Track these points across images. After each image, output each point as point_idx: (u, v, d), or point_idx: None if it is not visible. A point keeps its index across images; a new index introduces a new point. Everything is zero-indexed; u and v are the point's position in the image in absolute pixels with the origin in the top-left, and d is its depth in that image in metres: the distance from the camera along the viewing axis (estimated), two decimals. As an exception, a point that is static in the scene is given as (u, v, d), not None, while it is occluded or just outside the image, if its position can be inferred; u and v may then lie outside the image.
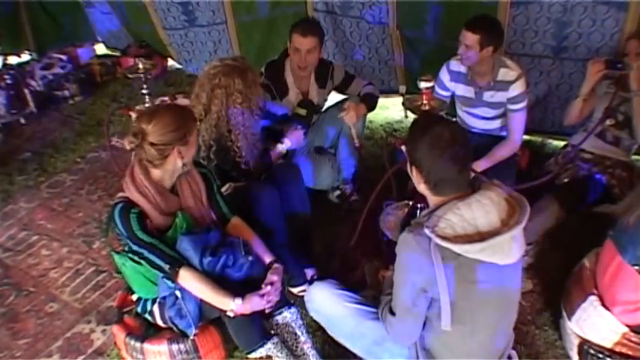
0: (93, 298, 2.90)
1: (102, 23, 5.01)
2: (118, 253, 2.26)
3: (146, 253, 2.11)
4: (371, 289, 2.51)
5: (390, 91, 4.21)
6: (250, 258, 2.21)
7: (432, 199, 1.89)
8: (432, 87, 2.58)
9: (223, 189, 2.68)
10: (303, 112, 3.11)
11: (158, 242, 2.13)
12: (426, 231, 1.74)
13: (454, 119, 3.34)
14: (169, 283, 2.16)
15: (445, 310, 1.80)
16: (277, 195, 2.66)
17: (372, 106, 3.23)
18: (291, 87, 3.17)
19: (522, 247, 1.82)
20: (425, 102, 2.53)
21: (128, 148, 2.13)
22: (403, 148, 2.67)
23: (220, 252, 2.17)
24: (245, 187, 2.69)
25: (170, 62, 5.02)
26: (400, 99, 4.20)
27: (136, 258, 2.16)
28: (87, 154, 4.05)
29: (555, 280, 2.68)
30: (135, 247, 2.12)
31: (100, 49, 5.30)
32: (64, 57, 4.82)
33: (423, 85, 2.51)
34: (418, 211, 2.73)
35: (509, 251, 1.76)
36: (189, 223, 2.24)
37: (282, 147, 2.96)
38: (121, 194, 2.20)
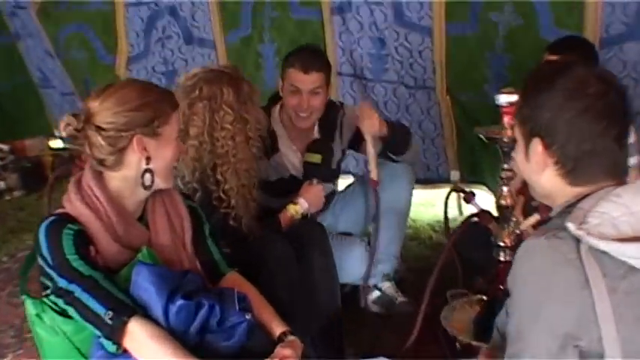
0: None
1: (61, 108, 4.95)
2: (32, 297, 1.86)
3: (78, 292, 1.72)
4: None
5: (439, 180, 4.02)
6: (248, 317, 1.81)
7: (562, 193, 1.47)
8: (517, 103, 2.28)
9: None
10: (317, 158, 2.75)
11: (101, 277, 1.74)
12: (571, 227, 1.31)
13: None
14: (109, 346, 1.73)
15: None
16: (294, 258, 2.34)
17: (397, 135, 2.83)
18: (283, 142, 2.89)
19: None
20: (506, 125, 2.27)
21: (63, 134, 1.82)
22: (476, 202, 2.41)
23: (199, 298, 1.76)
24: (245, 245, 2.37)
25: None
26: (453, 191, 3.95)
27: (60, 303, 1.75)
28: (18, 253, 3.82)
29: None
30: (62, 284, 1.73)
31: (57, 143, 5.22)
32: (4, 147, 4.73)
33: (503, 99, 2.25)
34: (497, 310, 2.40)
35: None
36: (156, 261, 1.88)
37: (296, 209, 2.64)
38: (56, 211, 1.87)
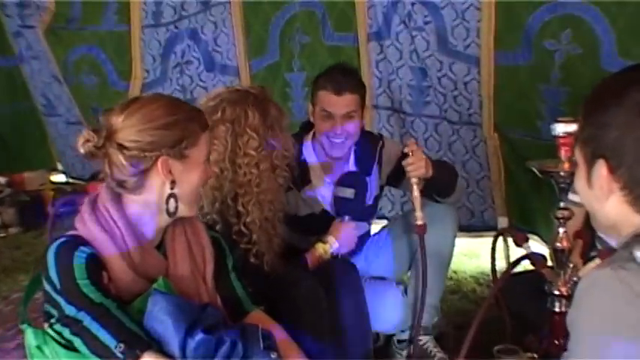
0: None
1: (66, 139, 5.04)
2: (34, 327, 1.88)
3: (87, 321, 1.74)
4: None
5: (484, 228, 4.00)
6: (274, 356, 1.84)
7: (629, 223, 1.46)
8: (575, 134, 2.30)
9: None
10: (349, 192, 2.79)
11: (113, 305, 1.77)
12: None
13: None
14: (118, 384, 1.74)
15: None
16: (323, 297, 2.36)
17: (444, 177, 2.87)
18: (316, 173, 2.95)
19: None
20: (563, 158, 2.28)
21: (82, 151, 1.83)
22: (528, 246, 2.40)
23: (220, 334, 1.79)
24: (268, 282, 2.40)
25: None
26: (499, 241, 3.92)
27: (66, 333, 1.77)
28: (11, 294, 3.82)
29: None
30: (70, 311, 1.75)
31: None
32: (1, 179, 4.85)
33: (560, 129, 2.27)
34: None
35: None
36: (172, 293, 1.90)
37: (325, 248, 2.68)
38: (67, 233, 1.90)
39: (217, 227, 2.40)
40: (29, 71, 5.02)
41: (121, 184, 1.86)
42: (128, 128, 1.82)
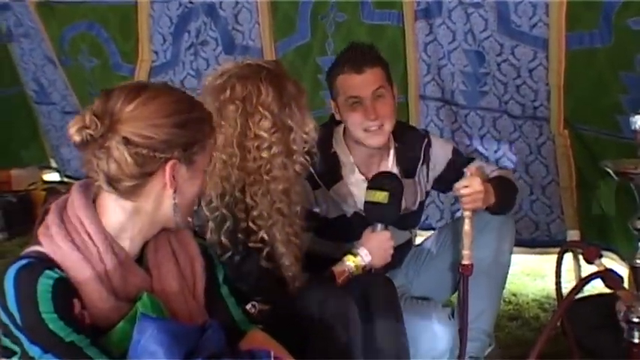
0: None
1: (61, 131, 5.10)
2: None
3: None
4: None
5: (550, 243, 3.99)
6: None
7: None
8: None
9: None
10: (382, 196, 2.75)
11: (86, 343, 1.74)
12: None
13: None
14: None
15: None
16: (358, 318, 2.35)
17: (502, 201, 2.91)
18: (348, 168, 2.99)
19: None
20: None
21: (76, 138, 1.78)
22: (601, 262, 2.39)
23: None
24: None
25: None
26: (567, 257, 3.90)
27: None
28: None
29: None
30: (35, 353, 1.73)
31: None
32: None
33: None
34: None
35: None
36: (160, 311, 1.89)
37: (356, 262, 2.67)
38: (29, 249, 1.84)
39: (227, 225, 2.43)
40: (19, 52, 5.08)
41: (113, 183, 1.81)
42: (140, 121, 1.78)
